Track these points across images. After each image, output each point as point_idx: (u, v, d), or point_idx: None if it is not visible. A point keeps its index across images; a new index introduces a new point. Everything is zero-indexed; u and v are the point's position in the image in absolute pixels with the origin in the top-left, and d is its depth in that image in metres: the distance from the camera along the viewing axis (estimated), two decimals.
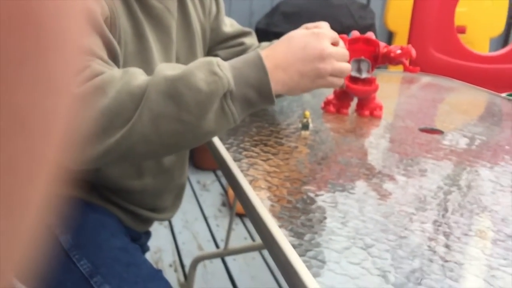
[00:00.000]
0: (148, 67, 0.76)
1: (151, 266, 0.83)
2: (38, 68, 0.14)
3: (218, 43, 0.99)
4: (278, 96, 0.72)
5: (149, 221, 1.00)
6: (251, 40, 1.02)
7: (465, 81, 1.47)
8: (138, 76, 0.62)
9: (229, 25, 1.00)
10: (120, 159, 0.63)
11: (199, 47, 0.92)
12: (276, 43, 0.73)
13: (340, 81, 0.77)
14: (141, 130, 0.59)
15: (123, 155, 0.62)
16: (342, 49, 0.76)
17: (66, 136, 0.16)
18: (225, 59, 0.73)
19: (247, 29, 1.03)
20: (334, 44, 0.76)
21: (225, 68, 0.63)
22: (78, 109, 0.17)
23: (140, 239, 0.99)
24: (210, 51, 0.99)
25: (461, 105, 1.25)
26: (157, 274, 0.81)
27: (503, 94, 1.41)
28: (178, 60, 0.87)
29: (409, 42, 1.80)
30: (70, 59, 0.15)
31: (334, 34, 0.77)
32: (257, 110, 0.70)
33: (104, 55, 0.66)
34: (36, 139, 0.14)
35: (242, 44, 0.99)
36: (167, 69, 0.62)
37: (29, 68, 0.13)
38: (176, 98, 0.59)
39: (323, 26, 0.81)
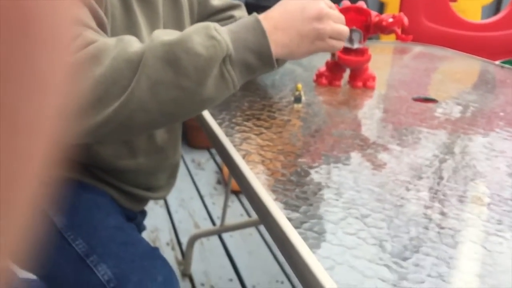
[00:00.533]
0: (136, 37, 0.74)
1: (148, 244, 0.82)
2: (26, 63, 0.13)
3: (206, 17, 0.97)
4: (278, 61, 0.72)
5: (144, 200, 0.99)
6: (241, 12, 1.00)
7: (458, 50, 1.46)
8: (133, 43, 0.60)
9: None
10: (119, 129, 0.60)
11: (187, 21, 0.90)
12: (273, 7, 0.72)
13: (340, 44, 0.76)
14: (140, 98, 0.57)
15: (122, 125, 0.59)
16: (337, 12, 0.76)
17: (57, 131, 0.16)
18: None
19: (236, 1, 1.01)
20: (330, 6, 0.75)
21: (223, 32, 0.61)
22: (73, 78, 0.16)
23: (136, 218, 0.99)
24: None
25: (454, 73, 1.24)
26: (154, 252, 0.80)
27: (497, 62, 1.40)
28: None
29: (400, 11, 1.77)
30: (59, 54, 0.15)
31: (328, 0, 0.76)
32: (256, 76, 0.69)
33: (94, 25, 0.64)
34: (26, 138, 0.14)
35: (231, 17, 0.97)
36: (164, 34, 0.60)
37: (17, 63, 0.13)
38: (174, 63, 0.57)
39: None
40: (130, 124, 0.60)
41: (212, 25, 0.61)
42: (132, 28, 0.76)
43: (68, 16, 0.15)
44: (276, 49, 0.66)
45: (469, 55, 1.40)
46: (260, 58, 0.65)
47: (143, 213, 1.06)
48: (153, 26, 0.80)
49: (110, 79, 0.57)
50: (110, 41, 0.60)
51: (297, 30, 0.68)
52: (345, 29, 0.75)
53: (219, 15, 0.97)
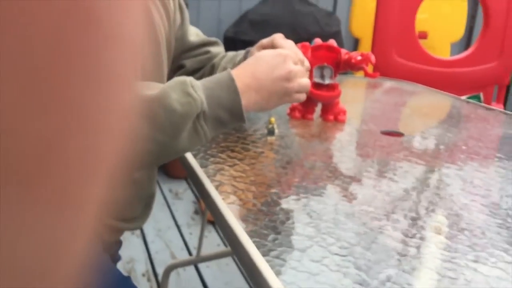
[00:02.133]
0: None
1: (120, 273, 0.83)
2: (99, 63, 0.13)
3: (183, 52, 1.00)
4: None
5: (119, 231, 1.00)
6: (217, 49, 1.04)
7: (427, 85, 1.53)
8: None
9: (195, 34, 1.02)
10: None
11: (164, 56, 0.94)
12: (245, 63, 0.77)
13: (303, 96, 0.82)
14: None
15: None
16: (302, 67, 0.81)
17: (128, 132, 0.16)
18: (191, 68, 0.75)
19: (213, 38, 1.05)
20: (296, 62, 0.80)
21: (198, 89, 0.65)
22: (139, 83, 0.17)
23: (111, 249, 0.99)
24: (175, 60, 1.00)
25: (422, 108, 1.29)
26: (125, 281, 0.82)
27: (463, 97, 1.47)
28: (143, 70, 0.87)
29: (372, 47, 1.85)
30: (129, 55, 0.15)
31: (295, 53, 0.81)
32: (227, 129, 0.74)
33: None
34: (98, 137, 0.14)
35: (207, 52, 1.01)
36: (146, 88, 0.64)
37: (90, 64, 0.13)
38: (151, 118, 0.61)
39: (283, 45, 0.84)
40: None
41: (188, 82, 0.65)
42: None
43: (138, 19, 0.15)
44: (247, 106, 0.72)
45: (437, 91, 1.47)
46: (232, 115, 0.69)
47: (118, 243, 1.07)
48: None
49: None
50: None
51: (268, 90, 0.74)
52: (308, 83, 0.81)
53: (196, 50, 1.01)
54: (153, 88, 0.64)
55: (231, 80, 0.69)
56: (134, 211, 0.99)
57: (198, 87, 0.66)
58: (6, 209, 0.12)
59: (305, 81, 0.80)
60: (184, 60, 1.00)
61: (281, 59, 0.77)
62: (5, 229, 0.12)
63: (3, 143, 0.12)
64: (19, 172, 0.12)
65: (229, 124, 0.71)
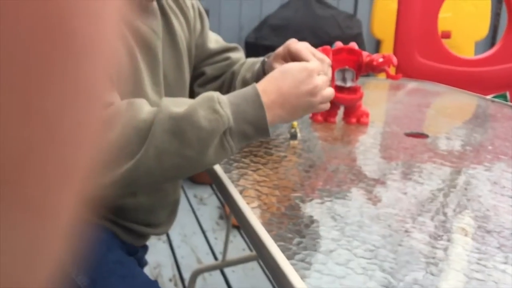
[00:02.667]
0: (138, 88, 0.79)
1: (147, 277, 0.85)
2: (69, 73, 0.13)
3: (203, 59, 1.01)
4: None
5: (144, 236, 1.02)
6: (237, 54, 1.05)
7: (451, 85, 1.51)
8: (143, 109, 0.65)
9: (214, 41, 1.03)
10: (122, 190, 0.67)
11: (186, 64, 0.95)
12: (271, 76, 0.76)
13: (327, 106, 0.82)
14: (146, 165, 0.63)
15: (126, 187, 0.66)
16: (325, 77, 0.80)
17: (98, 147, 0.16)
18: (211, 75, 0.76)
19: (233, 44, 1.06)
20: (319, 74, 0.80)
21: (225, 105, 0.67)
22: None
23: (137, 253, 1.01)
24: (196, 68, 1.01)
25: (446, 108, 1.28)
26: (153, 284, 0.83)
27: (488, 96, 1.45)
28: (166, 79, 0.89)
29: (394, 49, 1.83)
30: (102, 65, 0.15)
31: (318, 65, 0.80)
32: (251, 142, 0.75)
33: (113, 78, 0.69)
34: (67, 148, 0.14)
35: (227, 59, 1.02)
36: (172, 104, 0.66)
37: (59, 73, 0.13)
38: (180, 135, 0.64)
39: (300, 50, 0.84)
40: (133, 187, 0.67)
41: (216, 98, 0.67)
42: (135, 75, 0.80)
43: (111, 32, 0.15)
44: (272, 121, 0.72)
45: (462, 90, 1.45)
46: (257, 129, 0.70)
47: (145, 248, 1.09)
48: (153, 72, 0.85)
49: (119, 145, 0.62)
50: (122, 105, 0.65)
51: (293, 104, 0.74)
52: (331, 92, 0.80)
53: (216, 57, 1.02)
54: (181, 105, 0.66)
55: (257, 95, 0.70)
56: (159, 217, 1.00)
57: (225, 103, 0.67)
58: None
59: (329, 92, 0.80)
60: (204, 68, 1.01)
61: (306, 74, 0.76)
62: None
63: None
64: None
65: (254, 138, 0.72)
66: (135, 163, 0.62)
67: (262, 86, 0.73)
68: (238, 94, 0.72)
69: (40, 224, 0.14)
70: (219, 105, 0.66)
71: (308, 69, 0.77)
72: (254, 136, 0.71)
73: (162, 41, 0.88)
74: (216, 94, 0.68)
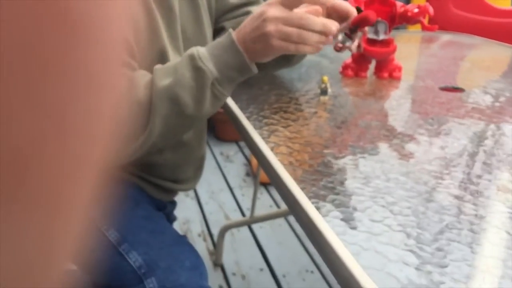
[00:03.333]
0: (155, 42, 0.80)
1: (176, 232, 0.86)
2: (76, 63, 0.13)
3: (223, 13, 0.98)
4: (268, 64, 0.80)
5: (172, 191, 1.03)
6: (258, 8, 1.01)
7: (487, 37, 1.44)
8: (140, 84, 0.71)
9: None
10: (146, 152, 0.73)
11: (206, 19, 0.92)
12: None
13: (291, 47, 0.74)
14: (157, 132, 0.71)
15: (148, 150, 0.73)
16: (295, 15, 0.73)
17: (113, 135, 0.15)
18: (233, 29, 0.74)
19: None
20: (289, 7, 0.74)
21: (206, 59, 0.72)
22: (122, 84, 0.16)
23: (166, 208, 1.03)
24: (217, 22, 0.98)
25: (482, 61, 1.23)
26: (182, 239, 0.84)
27: None
28: (184, 33, 0.87)
29: (427, 0, 1.75)
30: (111, 51, 0.14)
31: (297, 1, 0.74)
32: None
33: (126, 57, 0.71)
34: (77, 140, 0.13)
35: (248, 13, 0.98)
36: (162, 77, 0.71)
37: (68, 60, 0.12)
38: (176, 100, 0.71)
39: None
40: (153, 149, 0.74)
41: (196, 55, 0.72)
42: (152, 30, 0.79)
43: (120, 17, 0.14)
44: (252, 59, 0.74)
45: (498, 43, 1.39)
46: (241, 71, 0.74)
47: (173, 203, 1.10)
48: (170, 26, 0.83)
49: (130, 122, 0.65)
50: (124, 82, 0.65)
51: (251, 38, 0.73)
52: (293, 32, 0.73)
53: (236, 11, 0.98)
54: (169, 72, 0.72)
55: (232, 42, 0.73)
56: (186, 173, 1.01)
57: (205, 57, 0.72)
58: None
59: (288, 29, 0.72)
60: (224, 22, 0.97)
61: (262, 6, 0.75)
62: None
63: None
64: None
65: (241, 78, 0.76)
66: (148, 133, 0.70)
67: (236, 31, 0.75)
68: (216, 44, 0.75)
69: (53, 220, 0.14)
70: (201, 61, 0.72)
71: (268, 1, 0.75)
72: (240, 77, 0.75)
73: None
74: (196, 51, 0.73)
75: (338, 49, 0.87)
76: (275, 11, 0.73)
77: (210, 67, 0.72)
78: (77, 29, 0.12)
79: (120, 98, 0.15)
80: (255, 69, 0.76)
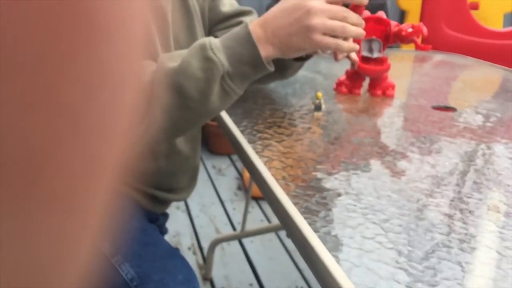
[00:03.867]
0: (148, 49, 0.78)
1: (169, 245, 0.85)
2: (94, 62, 0.12)
3: (216, 23, 0.98)
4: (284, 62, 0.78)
5: (165, 202, 1.03)
6: (250, 18, 1.01)
7: (479, 58, 1.46)
8: (146, 72, 0.66)
9: (228, 4, 0.99)
10: (143, 147, 0.70)
11: (199, 28, 0.92)
12: (264, 14, 0.74)
13: (335, 42, 0.72)
14: (158, 123, 0.66)
15: (146, 145, 0.69)
16: (338, 7, 0.72)
17: (129, 134, 0.15)
18: None
19: (247, 8, 1.01)
20: (332, 2, 0.72)
21: (218, 51, 0.67)
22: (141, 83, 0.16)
23: (158, 220, 1.02)
24: (210, 32, 0.98)
25: (474, 82, 1.24)
26: (174, 252, 0.84)
27: None
28: (177, 42, 0.87)
29: (421, 20, 1.78)
30: (129, 50, 0.14)
31: None
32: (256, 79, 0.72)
33: None
34: (93, 140, 0.13)
35: (240, 23, 0.99)
36: (167, 60, 0.66)
37: (83, 62, 0.12)
38: (179, 89, 0.65)
39: None
40: (153, 143, 0.70)
41: (208, 45, 0.66)
42: (148, 37, 0.79)
43: (138, 16, 0.14)
44: (268, 54, 0.70)
45: (490, 63, 1.41)
46: (255, 67, 0.70)
47: (165, 216, 1.10)
48: (162, 34, 0.82)
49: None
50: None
51: (286, 32, 0.70)
52: (339, 25, 0.71)
53: (229, 21, 0.98)
54: (177, 58, 0.66)
55: (248, 34, 0.69)
56: (180, 182, 1.01)
57: (218, 48, 0.67)
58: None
59: (334, 22, 0.70)
60: (217, 32, 0.97)
61: (298, 1, 0.70)
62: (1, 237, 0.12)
63: None
64: (11, 178, 0.12)
65: (255, 76, 0.71)
66: (146, 124, 0.64)
67: (255, 21, 0.71)
68: (230, 36, 0.70)
69: (67, 222, 0.13)
70: (212, 51, 0.66)
71: None
72: (254, 74, 0.70)
73: (172, 2, 0.85)
74: (208, 40, 0.67)
75: (339, 58, 0.86)
76: (318, 3, 0.70)
77: (222, 58, 0.67)
78: (95, 27, 0.12)
79: (137, 98, 0.15)
80: (271, 67, 0.70)
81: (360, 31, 0.74)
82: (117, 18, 0.13)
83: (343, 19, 0.71)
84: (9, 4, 0.11)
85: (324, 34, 0.71)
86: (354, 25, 0.73)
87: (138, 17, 0.14)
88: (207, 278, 1.60)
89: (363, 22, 0.75)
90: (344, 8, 0.72)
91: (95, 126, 0.13)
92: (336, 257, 0.47)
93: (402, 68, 1.38)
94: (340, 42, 0.73)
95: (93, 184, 0.14)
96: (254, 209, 2.02)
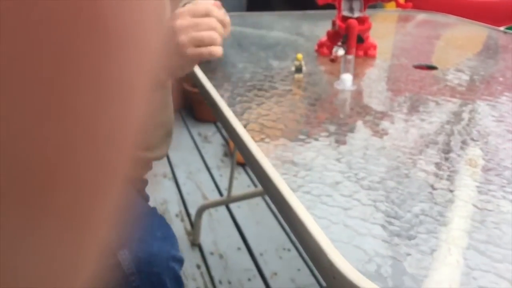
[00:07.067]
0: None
1: (147, 204, 0.87)
2: (108, 70, 0.12)
3: None
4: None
5: (145, 163, 1.03)
6: None
7: (462, 17, 1.45)
8: None
9: None
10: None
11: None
12: None
13: (207, 50, 0.74)
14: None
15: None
16: (201, 20, 0.75)
17: (136, 144, 0.15)
18: None
19: None
20: (206, 15, 0.75)
21: None
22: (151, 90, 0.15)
23: (141, 187, 1.02)
24: None
25: (456, 40, 1.24)
26: (152, 211, 0.87)
27: (501, 28, 1.40)
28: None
29: None
30: (143, 59, 0.14)
31: (199, 8, 0.75)
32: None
33: None
34: (108, 149, 0.13)
35: None
36: None
37: (97, 70, 0.12)
38: None
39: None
40: None
41: None
42: None
43: (153, 25, 0.14)
44: (156, 80, 0.71)
45: (473, 22, 1.40)
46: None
47: (145, 182, 1.10)
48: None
49: None
50: None
51: (165, 55, 0.73)
52: (207, 35, 0.74)
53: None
54: None
55: None
56: (155, 137, 1.01)
57: None
58: (11, 223, 0.12)
59: (200, 33, 0.74)
60: None
61: (169, 20, 0.74)
62: (10, 244, 0.12)
63: (6, 151, 0.11)
64: (24, 185, 0.11)
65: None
66: None
67: None
68: None
69: (75, 233, 0.13)
70: None
71: (175, 13, 0.74)
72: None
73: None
74: None
75: (335, 60, 0.93)
76: (183, 21, 0.74)
77: None
78: (110, 36, 0.12)
79: (149, 107, 0.15)
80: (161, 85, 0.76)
81: (221, 31, 0.76)
82: (133, 29, 0.13)
83: (210, 29, 0.75)
84: (23, 9, 0.10)
85: (198, 46, 0.74)
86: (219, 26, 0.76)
87: (150, 25, 0.14)
88: (195, 244, 1.61)
89: (227, 24, 0.78)
90: (208, 19, 0.75)
91: (106, 134, 0.13)
92: (313, 215, 0.47)
93: (385, 28, 1.36)
94: (213, 49, 0.75)
95: (103, 192, 0.14)
96: (241, 175, 2.03)
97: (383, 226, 0.46)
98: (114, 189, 0.14)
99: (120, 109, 0.13)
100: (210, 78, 0.86)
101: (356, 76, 0.90)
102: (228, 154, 2.19)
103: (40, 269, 0.13)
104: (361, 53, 1.01)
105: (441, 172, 0.56)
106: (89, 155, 0.13)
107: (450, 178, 0.55)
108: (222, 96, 0.78)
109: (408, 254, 0.42)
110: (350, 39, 0.88)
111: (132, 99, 0.14)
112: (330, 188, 0.52)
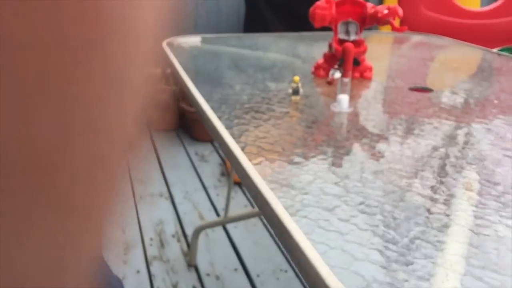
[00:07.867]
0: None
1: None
2: (105, 63, 0.12)
3: None
4: None
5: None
6: None
7: (457, 38, 1.47)
8: None
9: None
10: None
11: None
12: None
13: None
14: None
15: None
16: None
17: (133, 135, 0.15)
18: None
19: None
20: None
21: None
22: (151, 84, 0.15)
23: None
24: None
25: (451, 62, 1.25)
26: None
27: (494, 49, 1.42)
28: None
29: (399, 1, 1.78)
30: (141, 53, 0.14)
31: None
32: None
33: None
34: (105, 141, 0.13)
35: None
36: None
37: (95, 63, 0.12)
38: None
39: None
40: None
41: None
42: None
43: (151, 20, 0.14)
44: None
45: (467, 44, 1.42)
46: None
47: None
48: None
49: None
50: None
51: None
52: None
53: None
54: None
55: None
56: None
57: None
58: (8, 214, 0.12)
59: None
60: None
61: None
62: (6, 236, 0.12)
63: (3, 147, 0.11)
64: (22, 175, 0.12)
65: None
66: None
67: None
68: None
69: (76, 224, 0.14)
70: None
71: None
72: None
73: None
74: None
75: (331, 82, 0.96)
76: None
77: None
78: (108, 29, 0.12)
79: (145, 100, 0.15)
80: None
81: None
82: (131, 23, 0.13)
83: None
84: (19, 3, 0.10)
85: None
86: None
87: (150, 24, 0.14)
88: (192, 265, 1.60)
89: None
90: None
91: (104, 127, 0.13)
92: (311, 240, 0.47)
93: (380, 50, 1.38)
94: None
95: (100, 187, 0.14)
96: (238, 195, 2.02)
97: (380, 251, 0.46)
98: (111, 183, 0.14)
99: (117, 102, 0.13)
100: (207, 100, 0.86)
101: (352, 98, 0.91)
102: (225, 173, 2.19)
103: (39, 260, 0.13)
104: (357, 75, 1.02)
105: (437, 196, 0.57)
106: (86, 149, 0.13)
107: (446, 202, 0.55)
108: (219, 118, 0.79)
109: (406, 280, 0.42)
110: (347, 62, 0.89)
111: (129, 93, 0.14)
112: (327, 212, 0.53)
